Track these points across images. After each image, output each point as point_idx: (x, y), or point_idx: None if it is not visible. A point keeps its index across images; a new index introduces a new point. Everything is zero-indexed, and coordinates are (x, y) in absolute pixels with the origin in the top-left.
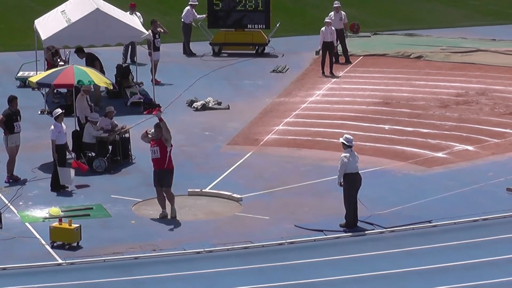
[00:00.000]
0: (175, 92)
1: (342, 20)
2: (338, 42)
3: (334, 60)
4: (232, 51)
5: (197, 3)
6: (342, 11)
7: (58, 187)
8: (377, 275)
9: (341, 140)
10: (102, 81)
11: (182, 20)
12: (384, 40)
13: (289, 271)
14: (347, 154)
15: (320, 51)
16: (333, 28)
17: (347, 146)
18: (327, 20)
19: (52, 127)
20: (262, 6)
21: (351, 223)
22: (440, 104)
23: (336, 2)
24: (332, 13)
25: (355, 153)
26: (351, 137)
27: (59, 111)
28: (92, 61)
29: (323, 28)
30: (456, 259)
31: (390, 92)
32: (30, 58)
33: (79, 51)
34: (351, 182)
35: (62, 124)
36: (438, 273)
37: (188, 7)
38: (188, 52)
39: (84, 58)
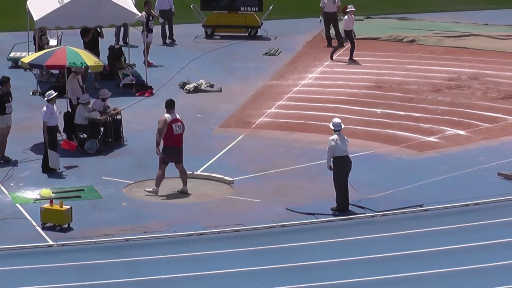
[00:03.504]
0: (167, 74)
1: (336, 3)
2: (331, 25)
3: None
4: (225, 33)
5: None
6: None
7: (49, 169)
8: (368, 259)
9: (330, 125)
10: (94, 62)
11: (160, 8)
12: (377, 23)
13: (281, 254)
14: (335, 137)
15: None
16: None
17: (335, 130)
18: None
19: (45, 108)
20: None
21: (342, 207)
22: (432, 88)
23: None
24: None
25: (345, 136)
26: (339, 121)
27: (52, 93)
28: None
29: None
30: (448, 243)
31: (382, 76)
32: (22, 39)
33: (85, 34)
34: (340, 165)
35: (54, 106)
36: (429, 257)
37: None
38: (164, 40)
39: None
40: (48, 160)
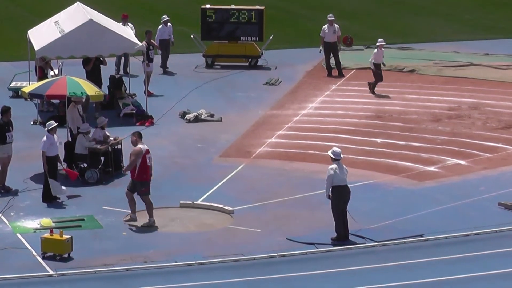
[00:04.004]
0: (167, 103)
1: (336, 33)
2: (332, 55)
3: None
4: (225, 63)
5: (168, 18)
6: (335, 24)
7: (49, 198)
8: None
9: (329, 153)
10: (94, 91)
11: (160, 38)
12: None
13: (281, 284)
14: (334, 166)
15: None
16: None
17: (334, 160)
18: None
19: (45, 138)
20: (255, 18)
21: (342, 236)
22: (432, 118)
23: (330, 15)
24: (326, 26)
25: (344, 165)
26: (339, 151)
27: (53, 123)
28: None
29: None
30: (448, 273)
31: (382, 105)
32: (23, 69)
33: (86, 63)
34: (339, 195)
35: (55, 136)
36: (429, 287)
37: (160, 26)
38: (164, 70)
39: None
40: (50, 189)
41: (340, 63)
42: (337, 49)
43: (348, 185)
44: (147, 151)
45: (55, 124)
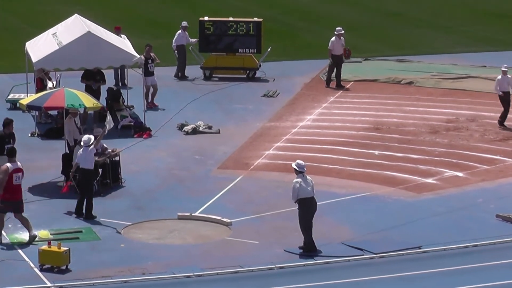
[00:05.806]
0: (165, 115)
1: (343, 45)
2: (335, 68)
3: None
4: (223, 75)
5: (187, 25)
6: (342, 37)
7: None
8: None
9: (293, 165)
10: (92, 103)
11: (176, 44)
12: (375, 65)
13: None
14: (299, 180)
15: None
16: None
17: (299, 172)
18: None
19: (81, 151)
20: (253, 31)
21: (311, 246)
22: (430, 130)
23: (338, 28)
24: (334, 38)
25: (308, 177)
26: (303, 163)
27: (92, 138)
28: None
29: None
30: (447, 285)
31: (380, 117)
32: (21, 81)
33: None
34: (305, 207)
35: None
36: None
37: (180, 31)
38: (181, 76)
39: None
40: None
41: (340, 74)
42: (342, 61)
43: (315, 197)
44: (17, 170)
45: (93, 140)
